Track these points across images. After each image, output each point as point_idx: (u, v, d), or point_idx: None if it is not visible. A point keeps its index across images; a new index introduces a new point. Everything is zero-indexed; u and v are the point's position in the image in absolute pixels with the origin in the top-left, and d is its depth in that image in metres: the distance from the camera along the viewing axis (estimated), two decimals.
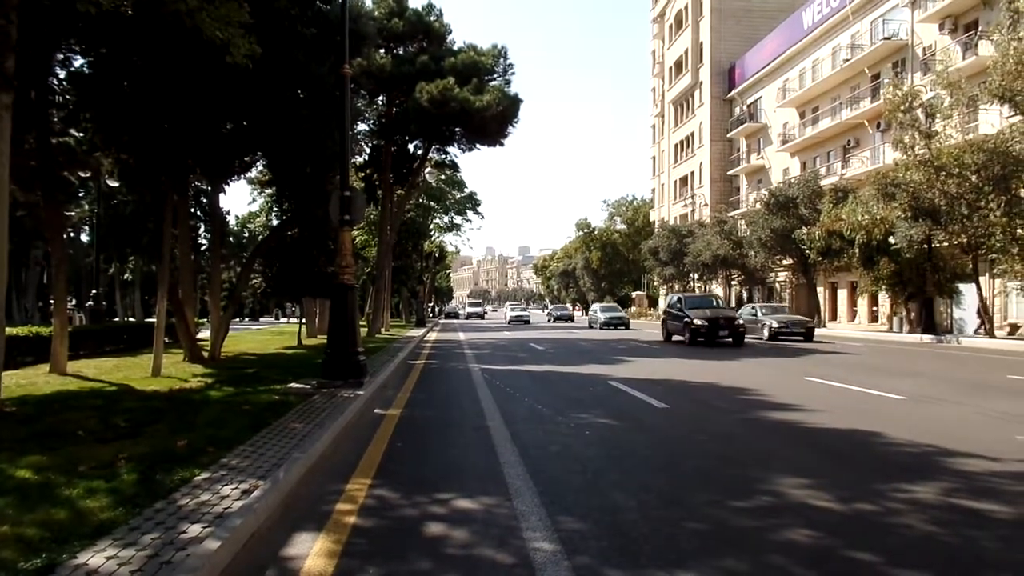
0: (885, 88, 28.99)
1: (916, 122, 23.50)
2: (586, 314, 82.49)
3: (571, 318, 56.67)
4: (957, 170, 21.89)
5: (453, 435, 7.36)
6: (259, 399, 8.62)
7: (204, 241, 28.86)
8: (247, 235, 48.94)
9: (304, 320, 25.92)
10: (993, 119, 23.89)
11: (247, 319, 57.70)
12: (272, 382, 10.42)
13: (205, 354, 14.53)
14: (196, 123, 12.08)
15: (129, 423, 6.85)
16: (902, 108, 23.80)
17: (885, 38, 33.86)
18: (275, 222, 25.22)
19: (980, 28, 27.41)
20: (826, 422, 7.87)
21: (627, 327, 38.19)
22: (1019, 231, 21.19)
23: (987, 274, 24.85)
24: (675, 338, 23.57)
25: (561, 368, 15.02)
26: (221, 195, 17.92)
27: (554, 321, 54.23)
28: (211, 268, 18.51)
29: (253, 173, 22.79)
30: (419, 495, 4.90)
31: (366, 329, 27.87)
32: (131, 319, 38.87)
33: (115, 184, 20.25)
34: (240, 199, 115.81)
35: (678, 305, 23.76)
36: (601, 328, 37.75)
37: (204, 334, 21.00)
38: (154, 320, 13.40)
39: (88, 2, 6.92)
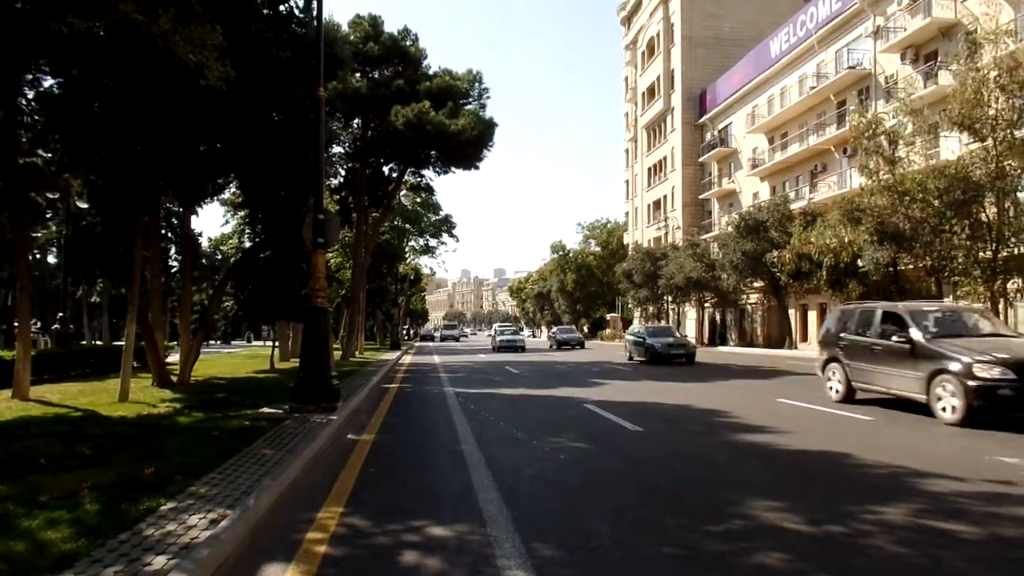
0: (850, 115, 29.74)
1: (880, 148, 24.08)
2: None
3: (580, 343, 44.67)
4: (920, 195, 22.43)
5: (427, 460, 7.29)
6: (229, 425, 8.47)
7: (175, 263, 28.45)
8: (220, 257, 48.39)
9: (277, 343, 25.61)
10: (953, 146, 24.60)
11: (218, 342, 56.79)
12: (243, 407, 10.26)
13: (174, 378, 14.27)
14: (169, 145, 11.98)
15: (94, 450, 6.69)
16: (866, 135, 24.39)
17: (849, 67, 34.82)
18: (248, 244, 24.99)
19: (940, 58, 28.33)
20: (797, 444, 7.95)
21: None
22: (980, 254, 21.74)
23: (951, 296, 25.39)
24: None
25: (536, 391, 15.00)
26: (193, 216, 17.72)
27: (558, 348, 42.71)
28: (182, 290, 18.25)
29: (227, 195, 22.58)
30: (391, 523, 4.84)
31: (340, 352, 27.61)
32: (99, 342, 38.04)
33: (84, 205, 19.92)
34: (213, 220, 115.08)
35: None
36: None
37: (174, 358, 20.63)
38: (122, 343, 13.14)
39: (60, 23, 6.88)
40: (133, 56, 9.27)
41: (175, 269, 27.33)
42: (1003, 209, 21.68)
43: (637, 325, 33.33)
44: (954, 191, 21.67)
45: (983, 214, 21.81)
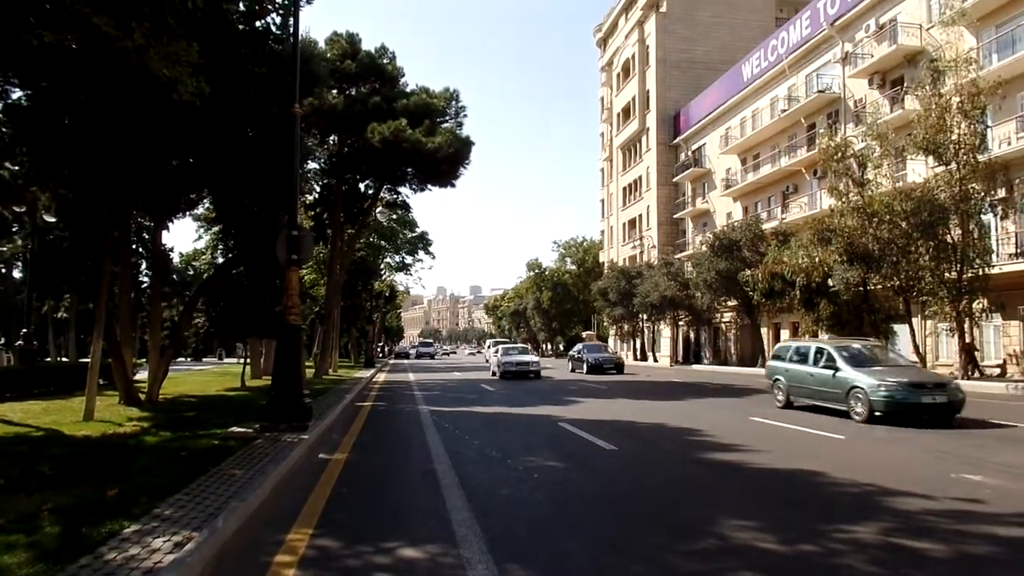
0: (820, 138, 30.35)
1: (849, 171, 24.59)
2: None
3: (619, 366, 33.04)
4: (888, 217, 22.91)
5: (399, 480, 7.21)
6: (197, 444, 8.31)
7: (145, 278, 27.99)
8: (191, 273, 47.75)
9: (249, 361, 25.24)
10: (920, 168, 25.21)
11: (189, 359, 55.85)
12: (212, 426, 10.07)
13: (142, 396, 13.97)
14: (140, 159, 11.83)
15: (55, 471, 6.51)
16: (836, 157, 24.91)
17: (819, 91, 35.60)
18: (221, 260, 24.68)
19: (906, 84, 29.10)
20: (770, 462, 8.00)
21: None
22: (947, 275, 22.22)
23: (919, 315, 25.89)
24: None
25: (511, 409, 14.94)
26: (165, 231, 17.50)
27: (590, 372, 31.57)
28: (151, 306, 17.92)
29: (200, 210, 22.33)
30: (362, 544, 4.76)
31: (313, 370, 27.29)
32: (64, 359, 37.19)
33: (52, 219, 19.55)
34: (185, 236, 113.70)
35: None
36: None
37: (142, 375, 20.22)
38: (89, 360, 12.86)
39: (31, 36, 6.77)
40: (105, 69, 9.17)
41: (145, 285, 26.91)
42: (968, 231, 22.22)
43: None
44: (921, 213, 22.17)
45: (949, 236, 22.32)
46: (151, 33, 6.82)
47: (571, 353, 36.50)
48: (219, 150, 12.31)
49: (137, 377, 17.63)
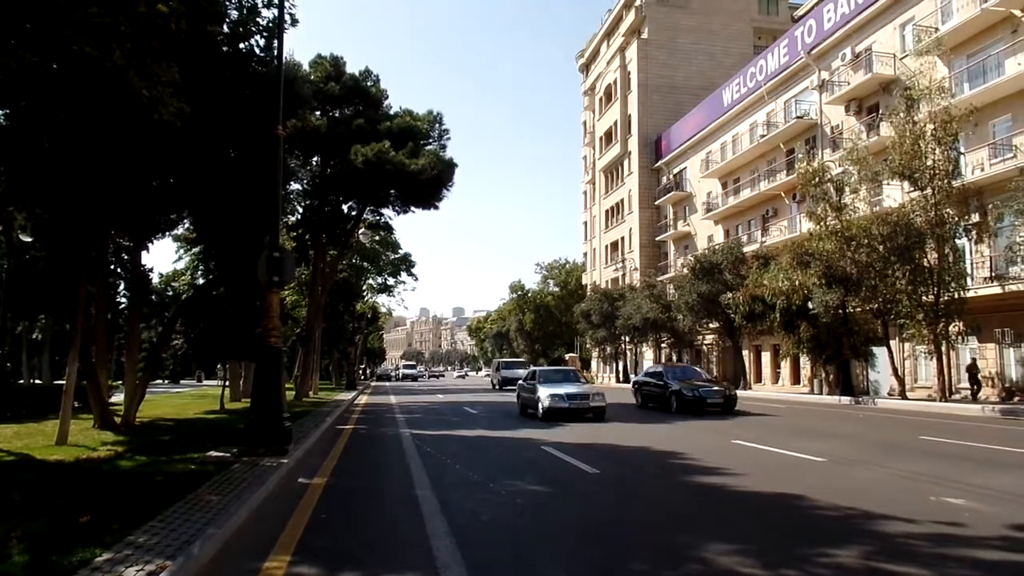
0: (798, 163, 30.86)
1: (827, 195, 24.99)
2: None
3: (729, 401, 20.62)
4: (866, 240, 23.27)
5: (380, 505, 7.12)
6: (174, 469, 8.15)
7: (123, 299, 27.61)
8: (170, 293, 47.18)
9: (228, 383, 24.91)
10: (896, 194, 25.67)
11: (167, 382, 55.00)
12: (189, 450, 9.89)
13: (118, 420, 13.72)
14: (120, 179, 11.73)
15: (25, 497, 6.35)
16: (814, 182, 25.32)
17: (797, 117, 36.26)
18: (201, 281, 24.45)
19: (881, 111, 29.72)
20: (752, 486, 7.99)
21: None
22: (923, 298, 22.54)
23: (897, 338, 26.20)
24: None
25: (493, 433, 14.85)
26: (144, 252, 17.28)
27: (680, 410, 20.32)
28: (129, 328, 17.68)
29: (180, 230, 22.16)
30: (342, 572, 4.68)
31: (293, 392, 26.99)
32: (38, 381, 36.47)
33: (28, 239, 19.28)
34: (165, 256, 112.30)
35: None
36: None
37: (118, 398, 19.87)
38: (63, 383, 12.62)
39: (11, 58, 6.72)
40: (85, 89, 9.11)
41: (123, 306, 26.53)
42: (943, 255, 22.60)
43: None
44: (897, 237, 22.54)
45: (925, 260, 22.68)
46: (132, 54, 6.81)
47: (635, 380, 25.84)
48: (200, 171, 12.26)
49: (113, 400, 17.34)
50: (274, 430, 9.39)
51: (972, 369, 23.56)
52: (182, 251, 34.26)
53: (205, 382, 56.68)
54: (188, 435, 12.39)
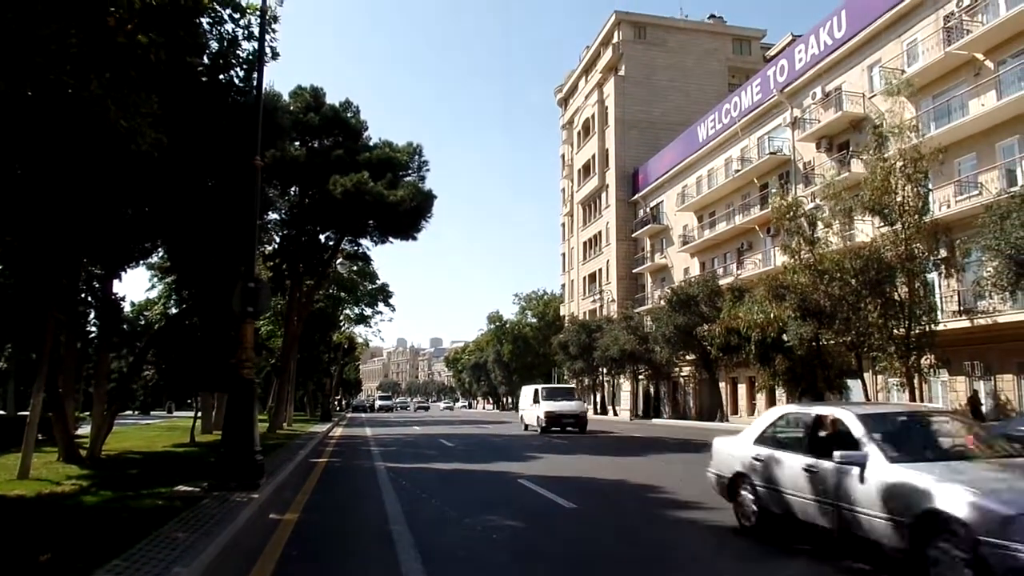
0: (772, 198, 31.43)
1: (800, 229, 25.41)
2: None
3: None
4: (838, 274, 23.62)
5: (353, 542, 6.98)
6: (141, 504, 7.93)
7: (94, 328, 27.07)
8: (143, 323, 46.37)
9: (200, 415, 24.42)
10: (867, 228, 26.18)
11: (136, 413, 53.78)
12: (157, 484, 9.63)
13: (83, 453, 13.35)
14: (94, 208, 11.59)
15: None
16: (787, 216, 25.75)
17: (770, 153, 37.05)
18: (174, 310, 24.09)
19: (852, 148, 30.48)
20: (729, 520, 7.97)
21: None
22: (895, 331, 22.88)
23: (870, 371, 26.50)
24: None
25: (470, 466, 14.69)
26: (116, 280, 17.02)
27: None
28: (98, 358, 17.31)
29: (154, 259, 21.86)
30: None
31: (267, 424, 26.52)
32: (1, 412, 35.47)
33: None
34: (138, 285, 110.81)
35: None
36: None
37: (85, 430, 19.37)
38: (27, 414, 12.28)
39: None
40: (60, 117, 9.04)
41: (92, 335, 26.01)
42: (913, 289, 23.02)
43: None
44: (869, 271, 22.92)
45: (896, 293, 23.08)
46: (110, 84, 6.79)
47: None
48: (177, 200, 12.16)
49: (79, 432, 16.91)
50: (246, 464, 9.19)
51: (974, 401, 23.14)
52: (155, 280, 33.80)
53: (176, 413, 55.53)
54: (157, 469, 12.09)
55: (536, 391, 28.71)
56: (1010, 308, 21.71)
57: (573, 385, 40.98)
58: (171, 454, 15.81)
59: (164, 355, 20.07)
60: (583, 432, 25.61)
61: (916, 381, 23.34)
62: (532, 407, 27.92)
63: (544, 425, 26.11)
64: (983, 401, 23.95)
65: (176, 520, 6.94)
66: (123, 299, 26.01)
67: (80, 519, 6.99)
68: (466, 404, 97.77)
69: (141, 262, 18.76)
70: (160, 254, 19.06)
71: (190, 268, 14.95)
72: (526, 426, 28.92)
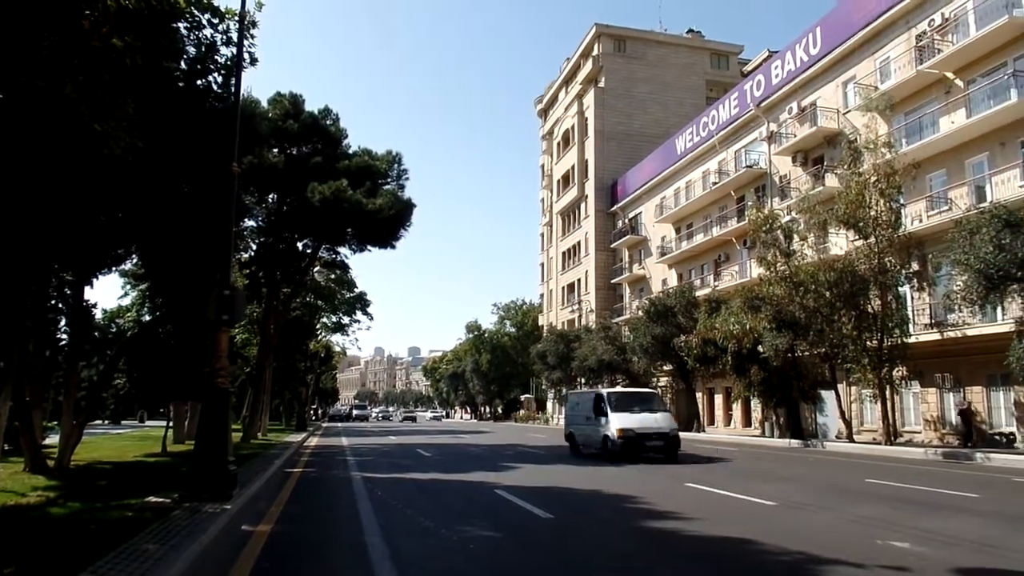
0: (748, 210, 31.83)
1: (776, 242, 25.77)
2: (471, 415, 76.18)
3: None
4: (813, 286, 23.98)
5: (327, 553, 6.89)
6: (109, 516, 7.76)
7: (64, 336, 26.54)
8: (114, 330, 45.58)
9: (172, 424, 24.02)
10: (841, 242, 26.61)
11: (107, 422, 52.76)
12: (127, 496, 9.44)
13: (51, 463, 13.05)
14: (65, 213, 11.39)
15: None
16: (764, 229, 26.11)
17: (747, 166, 37.54)
18: (148, 318, 23.73)
19: (826, 162, 31.00)
20: (703, 530, 8.00)
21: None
22: (868, 343, 23.24)
23: (844, 382, 26.85)
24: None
25: (447, 476, 14.60)
26: (88, 287, 16.73)
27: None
28: (68, 366, 16.98)
29: (127, 265, 21.52)
30: None
31: (241, 434, 26.16)
32: None
33: None
34: (111, 291, 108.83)
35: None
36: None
37: (54, 439, 18.95)
38: None
39: None
40: (31, 119, 8.89)
41: (63, 342, 25.51)
42: (886, 302, 23.42)
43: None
44: (843, 284, 23.29)
45: (869, 306, 23.45)
46: (85, 87, 6.70)
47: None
48: (151, 206, 12.00)
49: (48, 442, 16.54)
50: (218, 474, 9.05)
51: (966, 413, 22.81)
52: (128, 287, 33.28)
53: (148, 423, 54.61)
54: (127, 479, 11.85)
55: (600, 398, 19.30)
56: (979, 322, 22.14)
57: (655, 390, 28.17)
58: (142, 464, 15.52)
59: (136, 363, 19.76)
60: (673, 460, 17.37)
61: (888, 392, 23.70)
62: (591, 422, 19.27)
63: (619, 448, 17.52)
64: (973, 411, 23.37)
65: (146, 532, 6.80)
66: (95, 306, 25.62)
67: (46, 531, 6.83)
68: (443, 413, 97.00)
69: (114, 269, 18.48)
70: (134, 260, 18.78)
71: (164, 275, 14.76)
72: (578, 447, 20.73)
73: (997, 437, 22.55)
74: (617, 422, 17.96)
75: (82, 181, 10.74)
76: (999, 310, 21.05)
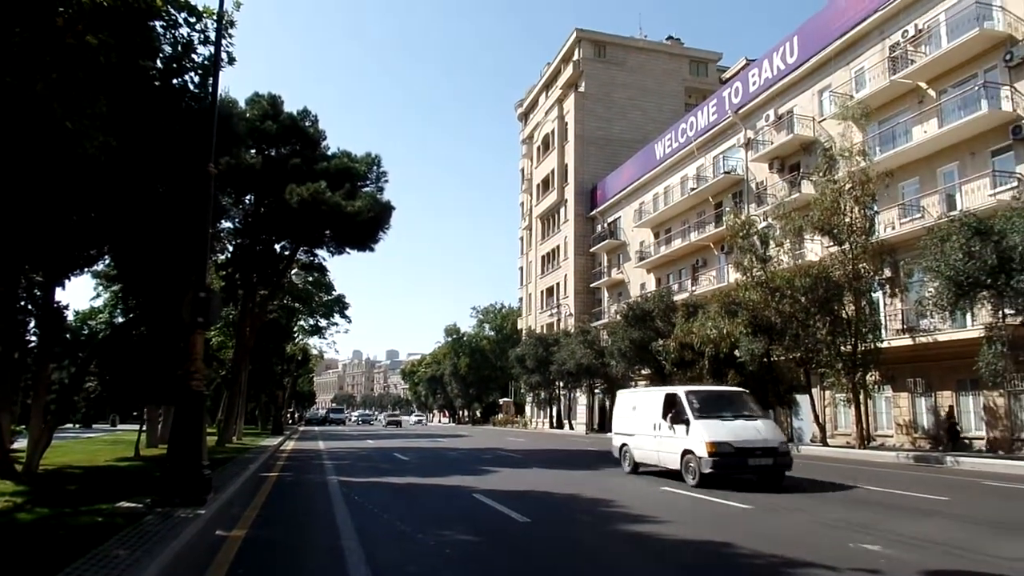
0: (726, 216, 32.14)
1: (753, 247, 26.05)
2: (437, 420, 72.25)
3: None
4: (789, 292, 24.27)
5: (302, 558, 6.82)
6: (79, 521, 7.62)
7: (34, 337, 26.00)
8: (86, 332, 44.80)
9: (145, 428, 23.64)
10: (817, 248, 26.97)
11: (78, 426, 51.79)
12: (98, 501, 9.27)
13: (19, 468, 12.78)
14: (36, 211, 11.18)
15: None
16: (740, 235, 26.37)
17: (725, 172, 37.92)
18: (121, 320, 23.35)
19: (802, 169, 31.41)
20: (680, 533, 8.05)
21: None
22: (842, 348, 23.57)
23: (818, 386, 27.18)
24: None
25: (424, 480, 14.54)
26: (59, 288, 16.40)
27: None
28: (38, 368, 16.64)
29: (100, 266, 21.16)
30: None
31: (216, 438, 25.82)
32: None
33: None
34: (83, 292, 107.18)
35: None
36: None
37: (22, 443, 18.55)
38: None
39: None
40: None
41: (32, 344, 25.01)
42: (860, 307, 23.77)
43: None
44: (817, 289, 23.59)
45: (843, 311, 23.78)
46: (57, 85, 6.59)
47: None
48: (125, 206, 11.82)
49: (16, 446, 16.15)
50: (192, 478, 8.92)
51: (950, 416, 22.75)
52: (101, 288, 32.76)
53: (120, 427, 53.71)
54: (98, 484, 11.64)
55: (674, 400, 13.86)
56: (949, 327, 22.53)
57: (741, 388, 17.50)
58: (114, 469, 15.25)
59: (108, 366, 19.40)
60: (778, 487, 12.60)
61: (861, 397, 24.03)
62: (660, 432, 14.03)
63: (710, 469, 12.28)
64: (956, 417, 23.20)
65: (117, 538, 6.68)
66: (66, 307, 25.14)
67: (12, 537, 6.68)
68: (424, 418, 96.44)
69: (86, 269, 18.13)
70: (107, 261, 18.48)
71: (138, 276, 14.54)
72: (636, 465, 15.39)
73: (967, 441, 22.96)
74: (705, 432, 12.53)
75: (54, 180, 10.55)
76: (969, 316, 21.44)
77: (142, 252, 13.40)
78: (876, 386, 25.10)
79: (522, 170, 72.74)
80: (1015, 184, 21.15)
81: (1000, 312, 18.56)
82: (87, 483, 11.89)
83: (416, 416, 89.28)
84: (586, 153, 57.89)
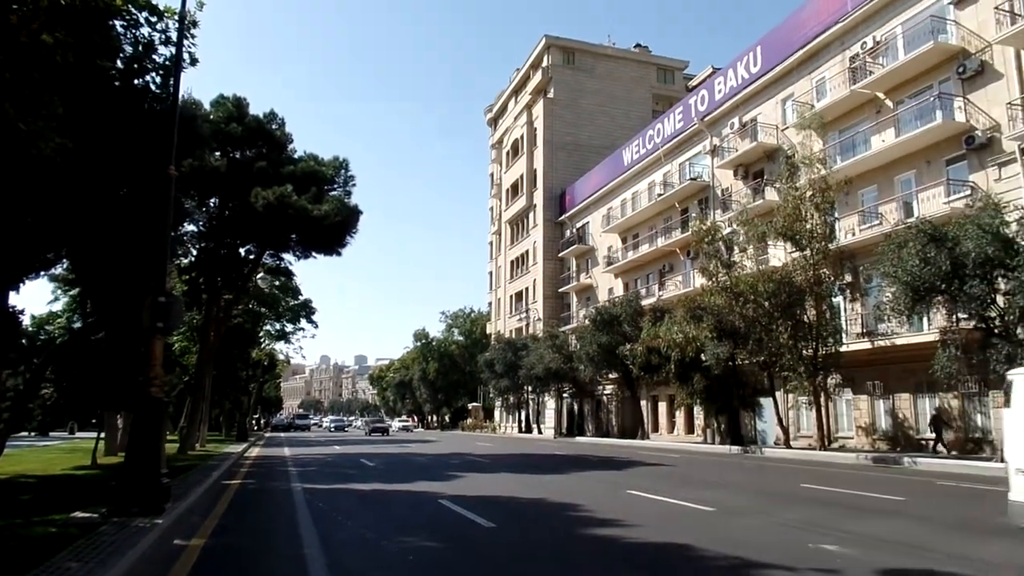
0: (692, 222, 32.57)
1: (718, 253, 26.44)
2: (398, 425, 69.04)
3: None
4: (752, 296, 24.67)
5: (263, 567, 6.73)
6: (31, 532, 7.42)
7: None
8: (43, 337, 43.58)
9: (104, 435, 23.07)
10: (779, 253, 27.47)
11: (34, 434, 50.32)
12: (52, 511, 9.03)
13: None
14: None
15: None
16: (706, 240, 26.76)
17: (691, 179, 38.42)
18: (79, 324, 22.77)
19: (766, 176, 31.97)
20: (643, 536, 8.13)
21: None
22: (804, 352, 24.03)
23: (782, 389, 27.65)
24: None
25: (390, 486, 14.43)
26: (14, 292, 15.95)
27: None
28: None
29: (58, 270, 20.64)
30: None
31: (178, 445, 25.33)
32: None
33: None
34: (40, 297, 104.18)
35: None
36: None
37: None
38: None
39: None
40: None
41: None
42: (821, 312, 24.26)
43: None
44: (780, 294, 24.03)
45: (805, 316, 24.25)
46: (10, 84, 6.43)
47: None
48: (84, 208, 11.57)
49: None
50: (150, 487, 8.73)
51: (937, 419, 22.06)
52: (59, 292, 31.90)
53: (78, 434, 52.35)
54: (53, 493, 11.35)
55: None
56: (906, 331, 23.09)
57: None
58: (70, 478, 14.87)
59: (66, 372, 18.94)
60: None
61: (823, 399, 24.51)
62: None
63: None
64: (945, 417, 22.52)
65: (70, 549, 6.52)
66: (22, 312, 24.43)
67: None
68: (408, 423, 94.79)
69: (43, 273, 17.66)
70: (65, 265, 18.03)
71: (97, 280, 14.23)
72: None
73: (923, 442, 23.55)
74: None
75: (7, 182, 10.28)
76: (925, 320, 22.02)
77: (101, 255, 13.13)
78: (837, 389, 25.62)
79: (491, 175, 72.81)
80: (968, 192, 21.80)
81: (954, 316, 19.09)
82: (41, 493, 11.59)
83: (401, 421, 78.05)
84: (555, 158, 58.21)
